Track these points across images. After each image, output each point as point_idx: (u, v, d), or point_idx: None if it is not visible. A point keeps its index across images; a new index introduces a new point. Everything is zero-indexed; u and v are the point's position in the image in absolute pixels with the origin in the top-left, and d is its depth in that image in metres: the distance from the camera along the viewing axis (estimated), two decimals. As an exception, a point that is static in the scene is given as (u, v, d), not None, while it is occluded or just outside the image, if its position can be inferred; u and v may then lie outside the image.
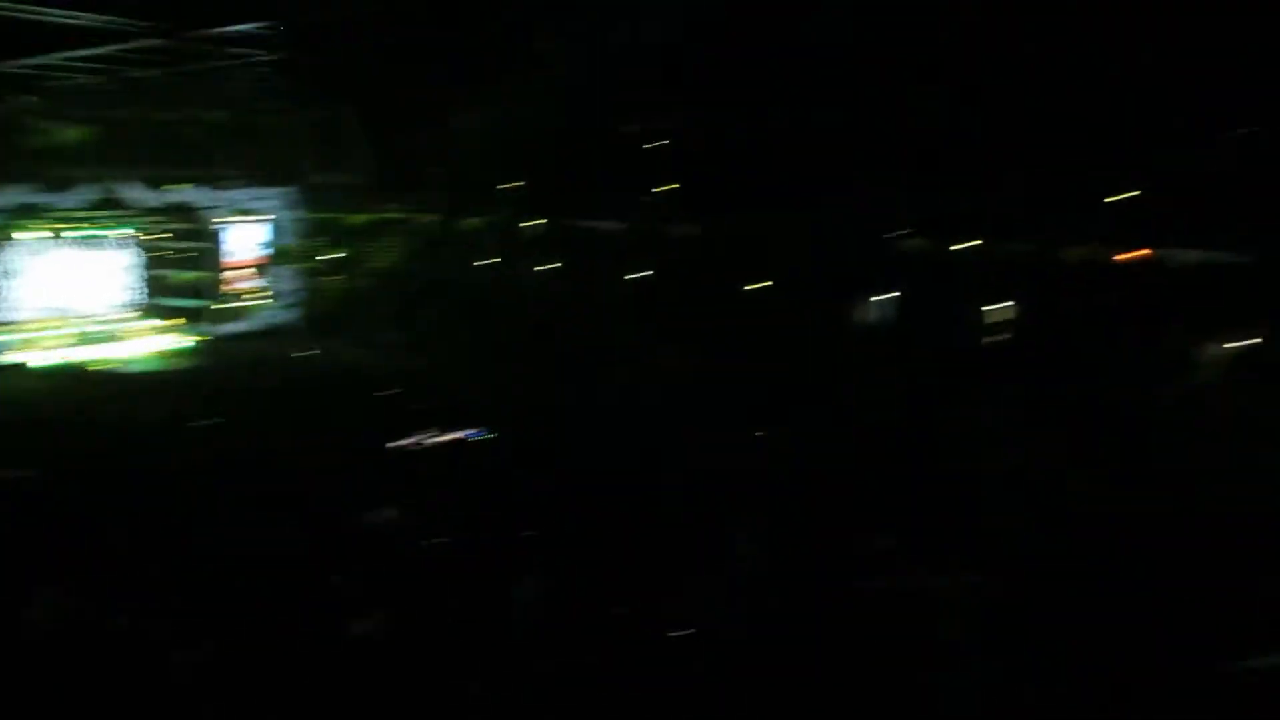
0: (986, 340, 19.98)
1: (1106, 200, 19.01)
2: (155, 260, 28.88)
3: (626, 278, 26.44)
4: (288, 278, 29.97)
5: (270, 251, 29.77)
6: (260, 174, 29.53)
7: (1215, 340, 15.83)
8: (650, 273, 26.43)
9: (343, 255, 31.99)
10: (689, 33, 18.14)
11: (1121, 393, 16.42)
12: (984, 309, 20.21)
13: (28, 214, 25.49)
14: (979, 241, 21.71)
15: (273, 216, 29.72)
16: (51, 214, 25.89)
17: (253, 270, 29.53)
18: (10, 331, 25.44)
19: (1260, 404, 14.64)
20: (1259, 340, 15.40)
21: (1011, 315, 20.14)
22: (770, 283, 23.89)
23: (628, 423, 19.84)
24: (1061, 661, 5.80)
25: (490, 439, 18.27)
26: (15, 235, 25.70)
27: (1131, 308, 17.91)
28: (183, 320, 28.07)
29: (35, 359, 24.71)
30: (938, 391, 18.84)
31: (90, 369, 24.69)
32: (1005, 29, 17.18)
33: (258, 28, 24.39)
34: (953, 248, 22.08)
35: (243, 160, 29.31)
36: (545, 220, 29.84)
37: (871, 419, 18.33)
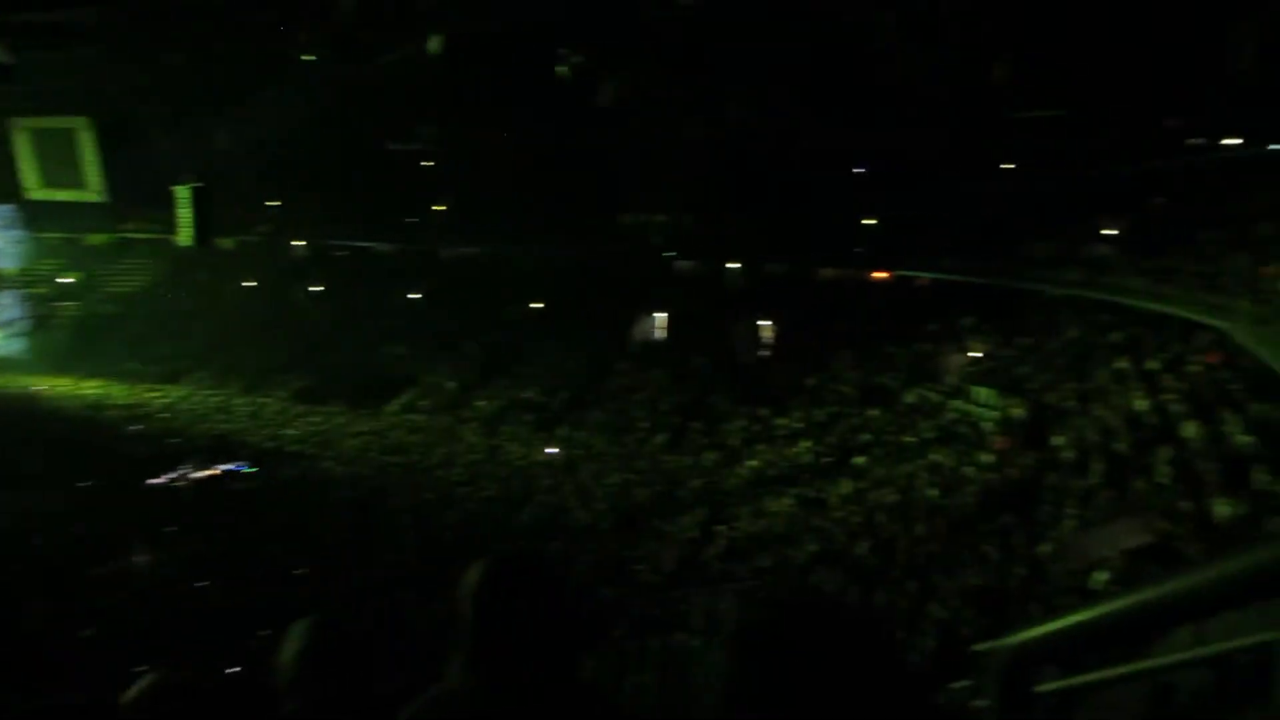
0: (756, 352, 21.18)
1: (859, 225, 21.02)
2: None
3: (398, 299, 25.78)
4: (11, 304, 27.03)
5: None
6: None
7: (955, 350, 17.47)
8: (421, 295, 25.89)
9: (78, 279, 29.24)
10: (462, 53, 17.95)
11: (872, 397, 17.78)
12: (751, 323, 21.47)
13: None
14: (741, 264, 23.14)
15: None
16: None
17: (-34, 297, 26.45)
18: None
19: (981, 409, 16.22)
20: (987, 351, 17.10)
21: (773, 329, 21.48)
22: (543, 304, 24.08)
23: (397, 451, 19.38)
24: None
25: (252, 473, 17.31)
26: None
27: (880, 321, 19.59)
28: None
29: None
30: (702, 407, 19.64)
31: None
32: (777, 70, 18.26)
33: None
34: (721, 267, 23.35)
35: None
36: (308, 241, 28.57)
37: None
